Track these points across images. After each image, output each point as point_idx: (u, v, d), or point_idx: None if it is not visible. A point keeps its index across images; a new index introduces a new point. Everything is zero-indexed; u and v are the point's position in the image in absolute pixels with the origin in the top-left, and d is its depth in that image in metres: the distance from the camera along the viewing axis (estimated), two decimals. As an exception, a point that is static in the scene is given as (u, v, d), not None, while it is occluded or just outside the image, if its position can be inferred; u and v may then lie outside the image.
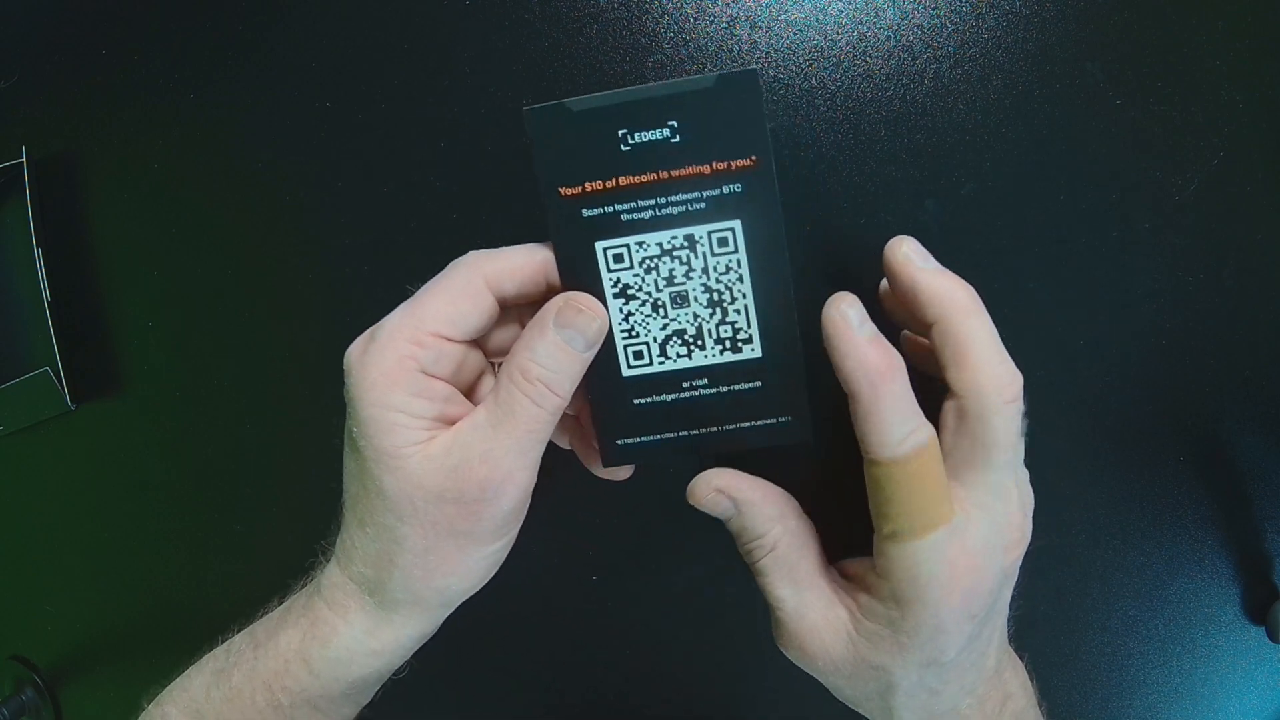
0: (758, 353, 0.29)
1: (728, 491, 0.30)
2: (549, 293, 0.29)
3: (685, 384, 0.29)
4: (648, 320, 0.29)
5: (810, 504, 0.32)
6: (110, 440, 0.46)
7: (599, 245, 0.28)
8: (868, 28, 0.34)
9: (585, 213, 0.28)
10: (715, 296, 0.28)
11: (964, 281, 0.28)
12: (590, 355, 0.28)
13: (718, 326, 0.29)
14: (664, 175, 0.27)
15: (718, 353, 0.29)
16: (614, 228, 0.28)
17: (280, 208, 0.41)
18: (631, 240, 0.28)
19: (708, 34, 0.35)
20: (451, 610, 0.31)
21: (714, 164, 0.27)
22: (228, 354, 0.43)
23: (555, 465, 0.33)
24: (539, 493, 0.29)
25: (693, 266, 0.28)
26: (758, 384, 0.29)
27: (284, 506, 0.44)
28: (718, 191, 0.27)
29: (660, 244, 0.28)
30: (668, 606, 0.41)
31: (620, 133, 0.27)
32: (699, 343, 0.29)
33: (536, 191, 0.28)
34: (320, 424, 0.37)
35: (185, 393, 0.44)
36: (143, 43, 0.42)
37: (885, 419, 0.26)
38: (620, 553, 0.41)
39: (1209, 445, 0.36)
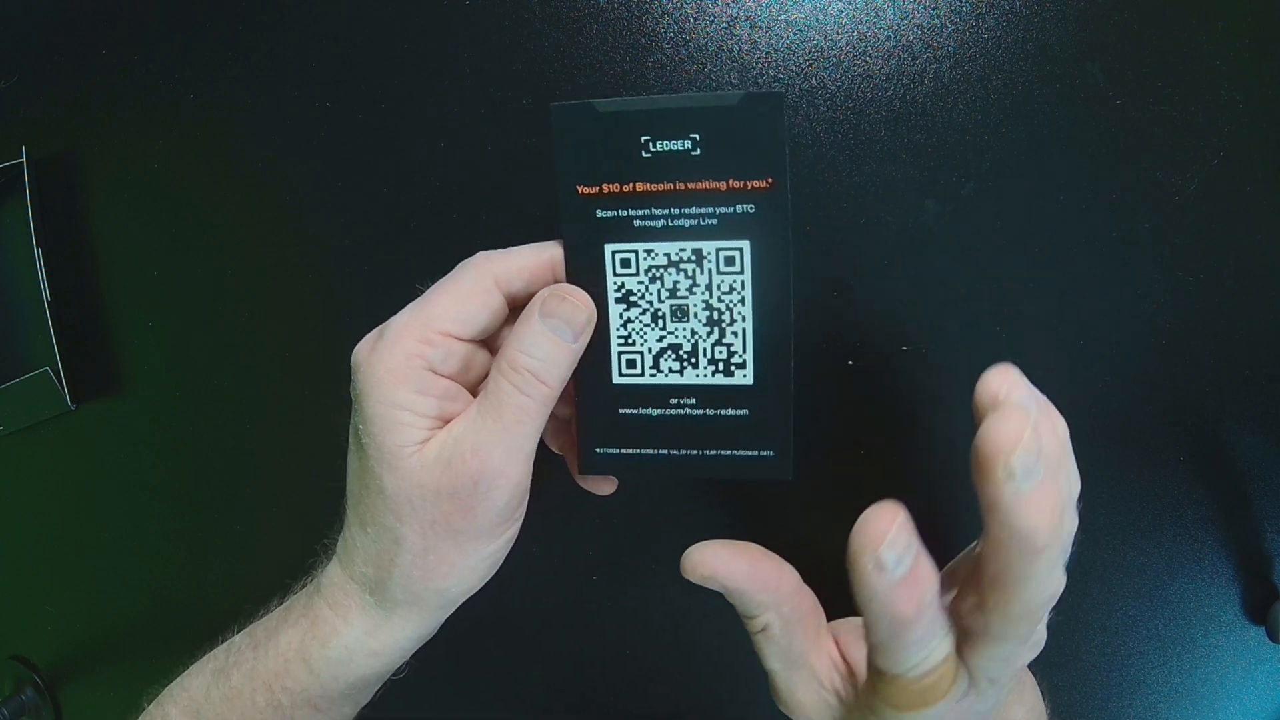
0: (749, 379, 0.29)
1: (717, 579, 0.29)
2: None
3: (673, 400, 0.29)
4: (645, 330, 0.29)
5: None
6: (110, 440, 0.46)
7: (608, 247, 0.28)
8: (868, 28, 0.34)
9: (599, 213, 0.28)
10: (715, 315, 0.28)
11: (1057, 499, 0.22)
12: (579, 347, 0.28)
13: (713, 346, 0.29)
14: (680, 186, 0.27)
15: (710, 373, 0.29)
16: (625, 232, 0.28)
17: (280, 208, 0.41)
18: (640, 247, 0.28)
19: (708, 34, 0.35)
20: (451, 611, 0.31)
21: (730, 181, 0.27)
22: (228, 354, 0.43)
23: (555, 465, 0.33)
24: (537, 493, 0.29)
25: (697, 281, 0.28)
26: (745, 412, 0.29)
27: (284, 506, 0.44)
28: (731, 210, 0.27)
29: (668, 254, 0.28)
30: (667, 607, 0.41)
31: (643, 139, 0.27)
32: (692, 360, 0.29)
33: (553, 187, 0.28)
34: (320, 424, 0.37)
35: (185, 393, 0.44)
36: (143, 43, 0.42)
37: (899, 654, 0.24)
38: (619, 553, 0.41)
39: (1209, 445, 0.36)
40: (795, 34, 0.35)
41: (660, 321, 0.29)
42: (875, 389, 0.36)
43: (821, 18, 0.34)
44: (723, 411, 0.29)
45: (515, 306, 0.29)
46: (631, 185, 0.28)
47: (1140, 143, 0.34)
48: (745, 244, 0.28)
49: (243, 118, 0.41)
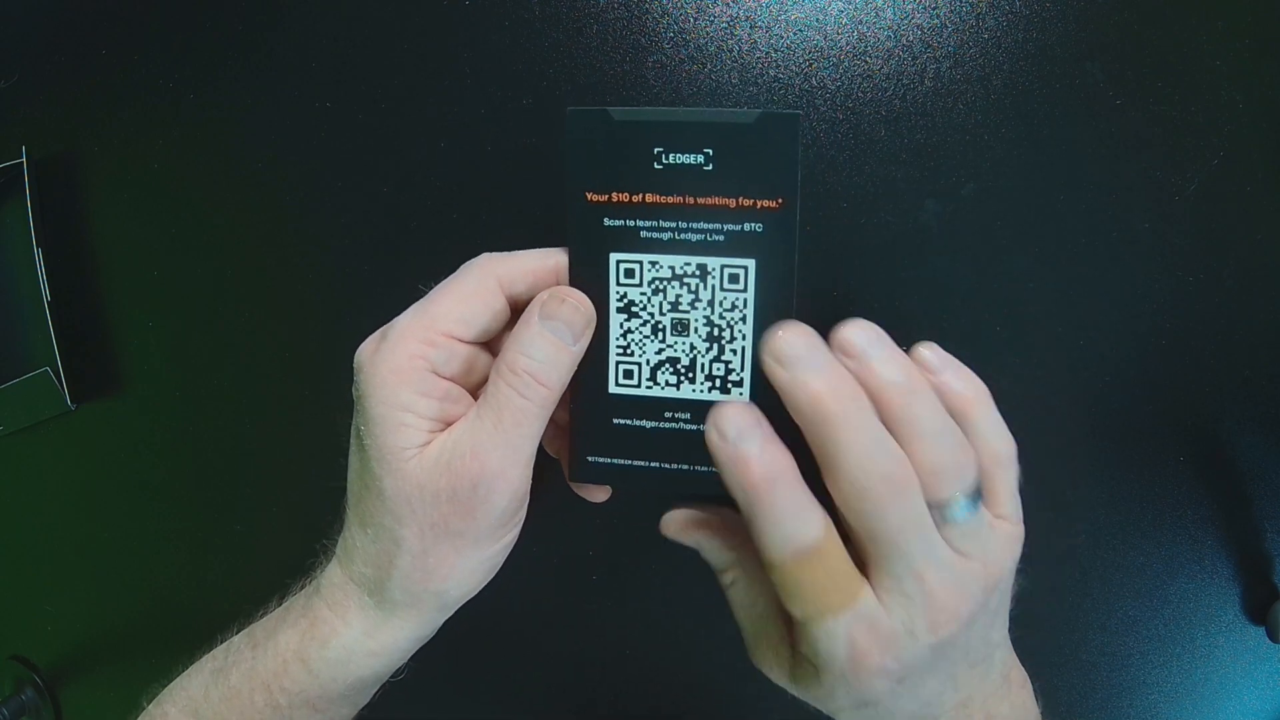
0: (745, 399, 0.28)
1: (688, 531, 0.31)
2: None
3: (668, 414, 0.29)
4: (645, 341, 0.29)
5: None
6: (110, 440, 0.46)
7: (613, 256, 0.28)
8: (868, 28, 0.34)
9: (606, 221, 0.28)
10: (716, 332, 0.28)
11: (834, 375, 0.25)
12: (579, 350, 0.28)
13: (712, 363, 0.29)
14: (690, 200, 0.27)
15: (706, 389, 0.29)
16: (631, 242, 0.28)
17: (280, 208, 0.41)
18: (646, 258, 0.28)
19: (708, 34, 0.35)
20: (450, 613, 0.31)
21: (740, 199, 0.27)
22: (228, 354, 0.43)
23: (555, 467, 0.33)
24: (537, 495, 0.29)
25: (699, 297, 0.28)
26: None
27: (284, 506, 0.44)
28: (739, 227, 0.27)
29: (673, 267, 0.28)
30: (667, 606, 0.41)
31: (656, 150, 0.27)
32: (690, 375, 0.29)
33: (559, 191, 0.28)
34: (320, 424, 0.37)
35: (185, 393, 0.44)
36: (143, 43, 0.42)
37: (766, 528, 0.25)
38: (619, 553, 0.41)
39: (1209, 445, 0.36)
40: (795, 34, 0.35)
41: (660, 334, 0.29)
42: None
43: (821, 18, 0.34)
44: None
45: (517, 310, 0.29)
46: (641, 196, 0.28)
47: (1140, 143, 0.34)
48: (751, 262, 0.27)
49: (243, 118, 0.41)
